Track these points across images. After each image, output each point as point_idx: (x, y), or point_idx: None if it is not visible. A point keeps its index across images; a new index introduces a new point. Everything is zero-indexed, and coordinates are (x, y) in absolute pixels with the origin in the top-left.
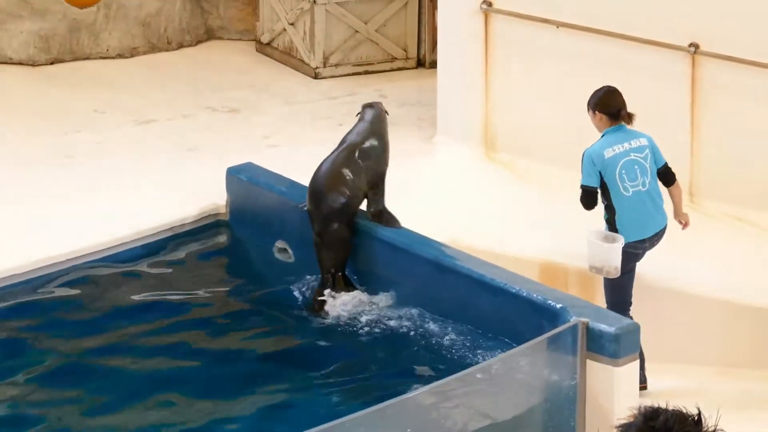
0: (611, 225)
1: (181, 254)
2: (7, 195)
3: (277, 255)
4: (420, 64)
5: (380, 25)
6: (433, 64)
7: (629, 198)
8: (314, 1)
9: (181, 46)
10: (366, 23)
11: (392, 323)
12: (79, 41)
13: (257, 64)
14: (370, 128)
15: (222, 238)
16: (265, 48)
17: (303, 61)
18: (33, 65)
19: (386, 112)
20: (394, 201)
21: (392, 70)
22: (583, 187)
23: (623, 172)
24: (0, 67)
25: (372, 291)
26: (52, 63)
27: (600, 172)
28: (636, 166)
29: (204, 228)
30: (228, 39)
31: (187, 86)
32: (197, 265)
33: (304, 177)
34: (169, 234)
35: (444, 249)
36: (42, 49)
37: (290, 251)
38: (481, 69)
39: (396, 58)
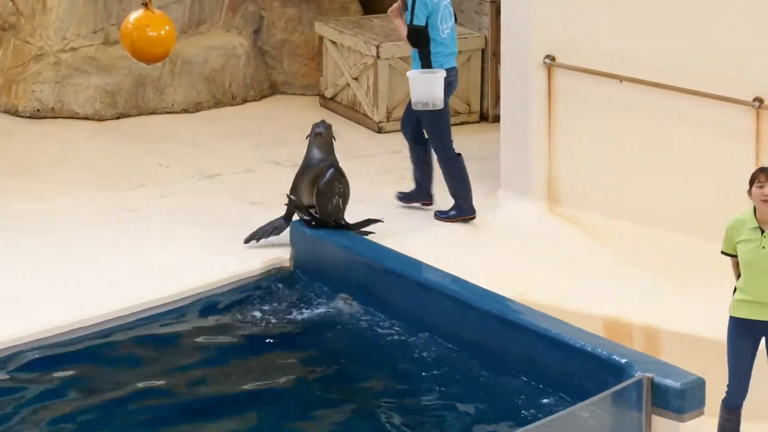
0: (426, 62)
1: (245, 306)
2: (73, 248)
3: (340, 308)
4: (483, 118)
5: None
6: (497, 118)
7: (444, 38)
8: (377, 56)
9: (245, 100)
10: None
11: (456, 376)
12: (145, 96)
13: (321, 119)
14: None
15: (286, 291)
16: (328, 102)
17: (366, 115)
18: (99, 120)
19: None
20: (457, 254)
21: (455, 124)
22: (414, 27)
23: (441, 16)
24: (67, 121)
25: (436, 344)
26: (117, 118)
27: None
28: (448, 11)
29: (268, 280)
30: (292, 94)
31: (251, 141)
32: (261, 317)
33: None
34: (234, 286)
35: (509, 303)
36: (108, 104)
37: (353, 304)
38: (544, 123)
39: (459, 113)
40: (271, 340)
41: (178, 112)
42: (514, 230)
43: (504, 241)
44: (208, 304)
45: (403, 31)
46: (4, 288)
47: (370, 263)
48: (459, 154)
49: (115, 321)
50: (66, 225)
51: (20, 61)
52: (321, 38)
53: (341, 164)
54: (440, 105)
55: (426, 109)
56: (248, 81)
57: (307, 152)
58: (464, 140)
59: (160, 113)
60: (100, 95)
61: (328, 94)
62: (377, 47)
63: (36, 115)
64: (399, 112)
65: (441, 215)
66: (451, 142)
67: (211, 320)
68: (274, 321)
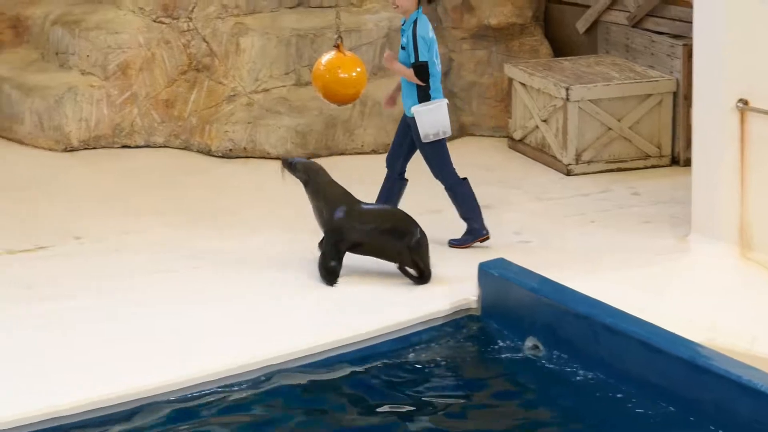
0: (425, 97)
1: (433, 348)
2: (262, 286)
3: (528, 351)
4: (674, 161)
5: (634, 122)
6: (688, 162)
7: (437, 72)
8: (567, 98)
9: None
10: (619, 120)
11: (646, 422)
12: (335, 137)
13: (509, 161)
14: None
15: (473, 333)
16: (517, 144)
17: (555, 157)
18: None
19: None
20: (645, 298)
21: (645, 167)
22: (421, 63)
23: (435, 52)
24: (258, 161)
25: (625, 390)
26: (308, 158)
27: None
28: (437, 47)
29: (455, 322)
30: (480, 135)
31: (440, 182)
32: (448, 358)
33: (556, 273)
34: (422, 327)
35: (699, 349)
36: (299, 145)
37: (541, 348)
38: (736, 167)
39: (649, 156)
40: (454, 382)
41: (367, 153)
42: (705, 275)
43: (694, 286)
44: (396, 345)
45: (407, 71)
46: (196, 326)
47: (558, 306)
48: (465, 179)
49: (308, 358)
50: (257, 264)
51: (213, 101)
52: (510, 80)
53: (528, 205)
54: (449, 132)
55: (436, 139)
56: None
57: (323, 191)
58: (655, 184)
59: (350, 154)
60: (291, 136)
61: (517, 136)
62: (567, 89)
63: (228, 155)
64: (588, 155)
65: (456, 242)
66: (453, 168)
67: (397, 360)
68: (457, 364)
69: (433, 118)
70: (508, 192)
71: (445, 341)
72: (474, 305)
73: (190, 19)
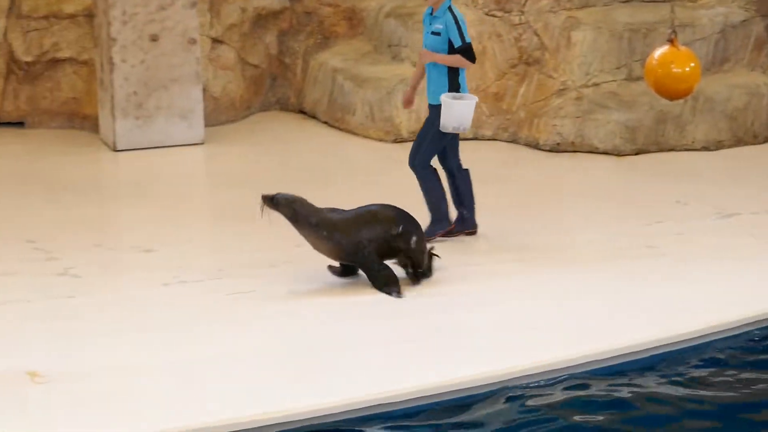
0: (455, 85)
1: (751, 353)
2: (590, 281)
3: None
4: None
5: None
6: None
7: None
8: None
9: (767, 140)
10: None
11: None
12: (665, 133)
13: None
14: None
15: None
16: None
17: None
18: (618, 155)
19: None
20: None
21: None
22: (469, 44)
23: None
24: (586, 156)
25: None
26: (636, 153)
27: None
28: None
29: None
30: None
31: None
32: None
33: None
34: (756, 327)
35: None
36: (627, 140)
37: None
38: None
39: None
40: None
41: (697, 150)
42: None
43: None
44: (729, 343)
45: (449, 57)
46: (524, 316)
47: None
48: (435, 169)
49: (629, 356)
50: (581, 258)
51: (543, 95)
52: None
53: None
54: (468, 129)
55: (454, 132)
56: None
57: (317, 220)
58: None
59: (680, 150)
60: (620, 131)
61: None
62: None
63: (556, 149)
64: None
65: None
66: (431, 160)
67: (730, 356)
68: None
69: (459, 113)
70: None
71: (760, 348)
72: None
73: (522, 12)
